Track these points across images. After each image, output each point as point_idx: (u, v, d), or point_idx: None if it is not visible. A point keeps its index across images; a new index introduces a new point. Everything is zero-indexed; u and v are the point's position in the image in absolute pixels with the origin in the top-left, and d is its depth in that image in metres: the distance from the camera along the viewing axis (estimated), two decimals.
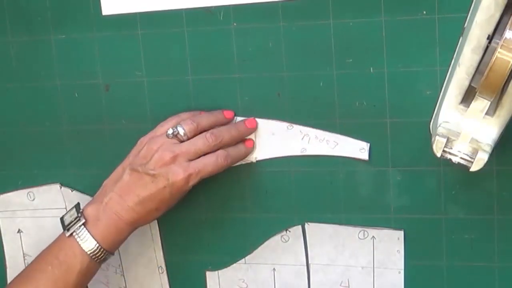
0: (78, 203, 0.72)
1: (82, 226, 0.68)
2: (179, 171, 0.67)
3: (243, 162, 0.74)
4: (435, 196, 0.70)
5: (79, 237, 0.68)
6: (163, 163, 0.67)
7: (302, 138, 0.72)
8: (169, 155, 0.68)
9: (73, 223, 0.69)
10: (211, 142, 0.69)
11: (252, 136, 0.73)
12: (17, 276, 0.71)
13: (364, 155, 0.70)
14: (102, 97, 0.77)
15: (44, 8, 0.76)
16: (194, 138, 0.69)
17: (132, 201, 0.68)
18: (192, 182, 0.68)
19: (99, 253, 0.68)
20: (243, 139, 0.73)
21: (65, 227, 0.70)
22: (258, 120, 0.73)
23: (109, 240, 0.69)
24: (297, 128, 0.72)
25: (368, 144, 0.70)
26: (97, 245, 0.68)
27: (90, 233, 0.68)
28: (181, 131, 0.69)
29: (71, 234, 0.69)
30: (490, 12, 0.54)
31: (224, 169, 0.70)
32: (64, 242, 0.69)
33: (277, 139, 0.73)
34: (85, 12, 0.75)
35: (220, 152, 0.69)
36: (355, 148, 0.70)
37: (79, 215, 0.69)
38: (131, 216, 0.68)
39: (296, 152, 0.72)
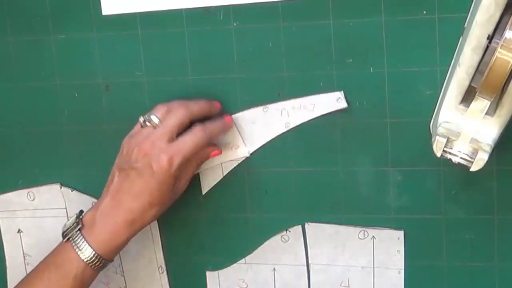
0: (81, 211, 0.72)
1: (78, 232, 0.68)
2: (160, 156, 0.66)
3: (238, 160, 0.74)
4: (435, 196, 0.70)
5: (75, 242, 0.68)
6: (144, 153, 0.67)
7: (281, 114, 0.72)
8: (147, 144, 0.67)
9: (70, 228, 0.69)
10: (182, 113, 0.68)
11: (235, 132, 0.73)
12: (19, 282, 0.71)
13: (343, 104, 0.69)
14: (102, 97, 0.77)
15: (44, 8, 0.76)
16: (165, 119, 0.68)
17: (124, 200, 0.68)
18: (176, 163, 0.66)
19: (94, 259, 0.68)
20: (221, 115, 0.72)
21: (63, 233, 0.69)
22: (234, 115, 0.73)
23: (104, 246, 0.68)
24: (272, 107, 0.72)
25: (342, 92, 0.69)
26: (92, 251, 0.67)
27: (85, 239, 0.68)
28: (153, 118, 0.68)
29: (68, 239, 0.68)
30: (490, 12, 0.54)
31: (205, 144, 0.69)
32: (61, 247, 0.69)
33: (259, 125, 0.73)
34: (85, 12, 0.75)
35: (195, 127, 0.68)
36: (332, 101, 0.70)
37: (77, 221, 0.69)
38: (126, 217, 0.68)
39: (282, 129, 0.72)
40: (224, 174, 0.75)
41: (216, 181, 0.75)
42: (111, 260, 0.70)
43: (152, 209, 0.68)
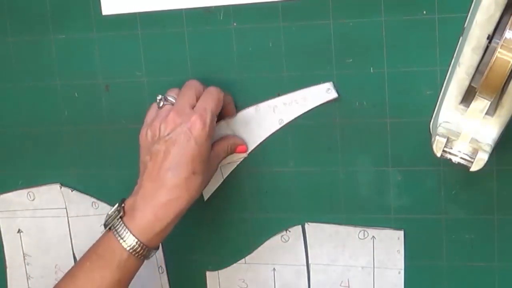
0: (123, 199, 0.68)
1: (120, 220, 0.65)
2: (191, 118, 0.65)
3: (237, 162, 0.74)
4: (435, 196, 0.70)
5: (116, 230, 0.65)
6: (173, 124, 0.65)
7: (274, 111, 0.72)
8: (172, 115, 0.66)
9: (112, 217, 0.66)
10: (195, 84, 0.68)
11: (231, 134, 0.73)
12: (65, 274, 0.69)
13: (333, 94, 0.69)
14: (102, 97, 0.77)
15: (44, 8, 0.76)
16: (181, 93, 0.68)
17: (166, 177, 0.64)
18: (208, 120, 0.65)
19: (137, 247, 0.65)
20: None
21: (105, 221, 0.67)
22: (228, 119, 0.73)
23: (147, 233, 0.65)
24: (264, 105, 0.72)
25: (331, 83, 0.69)
26: (134, 238, 0.64)
27: (126, 227, 0.65)
28: (170, 97, 0.68)
29: (110, 228, 0.66)
30: (490, 12, 0.54)
31: (222, 98, 0.68)
32: (103, 236, 0.67)
33: (253, 126, 0.73)
34: (85, 12, 0.75)
35: (208, 87, 0.68)
36: (322, 92, 0.70)
37: (119, 208, 0.66)
38: (169, 196, 0.64)
39: (276, 126, 0.72)
40: (224, 177, 0.75)
41: (217, 186, 0.75)
42: (156, 248, 0.67)
43: (196, 179, 0.65)
